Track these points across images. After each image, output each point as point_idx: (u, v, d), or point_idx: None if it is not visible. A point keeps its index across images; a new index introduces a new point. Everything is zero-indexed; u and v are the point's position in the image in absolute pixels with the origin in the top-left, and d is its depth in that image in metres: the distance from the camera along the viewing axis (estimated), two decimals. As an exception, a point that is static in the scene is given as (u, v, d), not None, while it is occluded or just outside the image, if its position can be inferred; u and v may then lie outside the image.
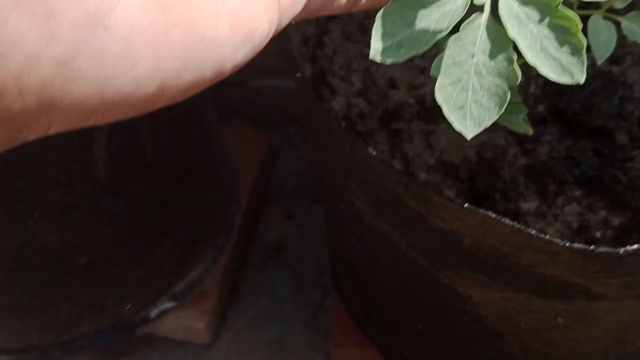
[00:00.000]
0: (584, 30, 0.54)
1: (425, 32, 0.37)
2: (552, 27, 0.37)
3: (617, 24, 0.55)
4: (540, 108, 0.65)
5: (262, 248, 1.21)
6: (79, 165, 0.79)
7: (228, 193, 1.14)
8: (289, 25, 0.46)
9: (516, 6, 0.37)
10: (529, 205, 0.55)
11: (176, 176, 0.96)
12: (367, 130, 0.68)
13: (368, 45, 0.75)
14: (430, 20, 0.38)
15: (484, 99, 0.38)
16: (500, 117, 0.62)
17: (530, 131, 0.60)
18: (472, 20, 0.38)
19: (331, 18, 0.79)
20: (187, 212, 0.99)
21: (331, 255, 0.93)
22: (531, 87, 0.65)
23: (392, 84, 0.70)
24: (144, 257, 0.92)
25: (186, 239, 1.00)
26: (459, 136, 0.65)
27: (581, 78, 0.36)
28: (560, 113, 0.65)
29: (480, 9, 0.38)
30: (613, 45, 0.55)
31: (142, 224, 0.90)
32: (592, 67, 0.68)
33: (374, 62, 0.73)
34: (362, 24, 0.77)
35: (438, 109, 0.67)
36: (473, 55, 0.38)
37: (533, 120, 0.65)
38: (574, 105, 0.63)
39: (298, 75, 0.56)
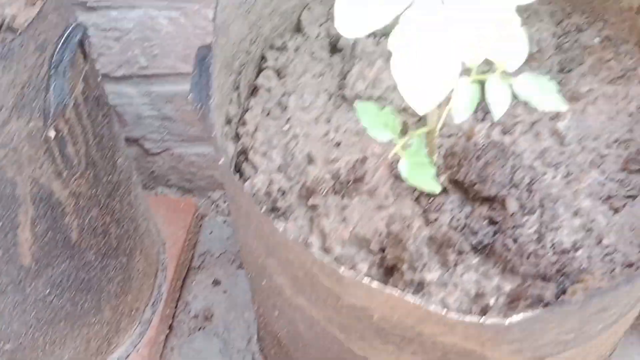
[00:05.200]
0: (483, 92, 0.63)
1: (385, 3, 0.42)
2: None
3: (510, 85, 0.64)
4: (442, 179, 0.73)
5: (189, 317, 1.25)
6: (3, 251, 0.82)
7: (154, 265, 1.18)
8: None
9: None
10: (432, 275, 0.63)
11: (102, 253, 0.99)
12: (287, 206, 0.75)
13: (287, 121, 0.83)
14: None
15: (435, 75, 0.43)
16: (411, 177, 0.69)
17: (438, 189, 0.68)
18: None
19: (253, 94, 0.87)
20: (113, 288, 1.03)
21: (258, 325, 0.98)
22: (434, 158, 0.73)
23: (310, 159, 0.78)
24: (69, 339, 0.94)
25: (112, 315, 1.03)
26: (371, 209, 0.72)
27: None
28: (459, 183, 0.73)
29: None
30: (508, 104, 0.64)
31: (67, 305, 0.93)
32: (486, 137, 0.78)
33: (292, 138, 0.81)
34: (280, 101, 0.84)
35: (350, 186, 0.74)
36: (427, 30, 0.41)
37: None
38: (471, 175, 0.72)
39: (220, 162, 0.62)
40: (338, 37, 0.91)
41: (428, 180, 0.63)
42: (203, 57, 0.78)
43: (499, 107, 0.59)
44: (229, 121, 0.80)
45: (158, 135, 1.32)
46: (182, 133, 1.32)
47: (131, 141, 1.34)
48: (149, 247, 1.16)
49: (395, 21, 0.41)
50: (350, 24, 0.41)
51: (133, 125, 1.31)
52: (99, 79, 0.99)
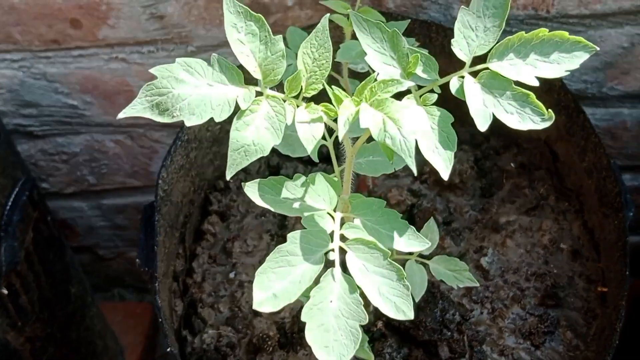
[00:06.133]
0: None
1: (293, 285, 0.49)
2: (386, 274, 0.49)
3: (426, 266, 0.71)
4: (380, 324, 0.79)
5: (153, 423, 1.27)
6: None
7: (115, 379, 1.20)
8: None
9: (358, 259, 0.49)
10: None
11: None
12: (236, 361, 0.79)
13: (232, 267, 0.87)
14: (297, 275, 0.49)
15: (342, 338, 0.50)
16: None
17: (372, 358, 0.74)
18: (327, 273, 0.50)
19: (199, 238, 0.91)
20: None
21: None
22: (371, 306, 0.78)
23: (256, 311, 0.82)
24: None
25: None
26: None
27: (411, 315, 0.49)
28: (396, 327, 0.79)
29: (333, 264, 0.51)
30: (425, 284, 0.70)
31: None
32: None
33: (238, 286, 0.85)
34: (225, 246, 0.88)
35: (295, 336, 0.79)
36: (331, 301, 0.49)
37: (374, 336, 0.79)
38: (405, 322, 0.77)
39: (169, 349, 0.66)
40: (278, 168, 0.96)
41: (362, 349, 0.68)
42: (148, 217, 0.82)
43: (417, 288, 0.65)
44: (176, 278, 0.84)
45: (111, 242, 1.35)
46: (135, 238, 1.35)
47: (84, 249, 1.36)
48: (108, 363, 1.18)
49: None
50: (268, 302, 0.46)
51: (85, 234, 1.33)
52: (49, 219, 1.02)
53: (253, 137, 0.44)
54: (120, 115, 0.44)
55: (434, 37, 0.89)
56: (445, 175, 0.46)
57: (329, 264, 0.49)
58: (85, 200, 1.27)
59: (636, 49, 0.98)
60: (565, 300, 0.80)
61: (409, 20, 0.71)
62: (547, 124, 0.46)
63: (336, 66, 0.76)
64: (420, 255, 0.69)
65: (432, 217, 0.68)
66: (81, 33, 1.01)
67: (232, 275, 0.85)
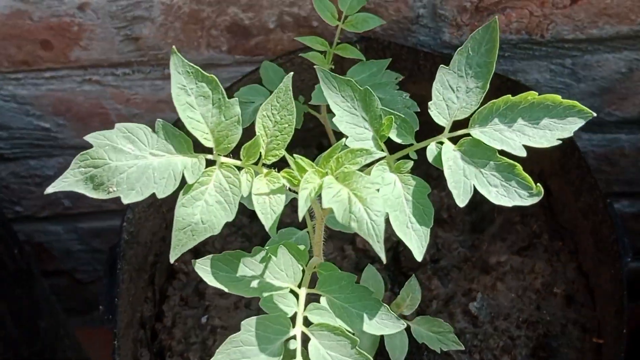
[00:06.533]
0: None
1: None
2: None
3: (408, 328, 0.65)
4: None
5: None
6: None
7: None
8: None
9: (322, 348, 0.43)
10: None
11: None
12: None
13: (205, 310, 0.81)
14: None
15: None
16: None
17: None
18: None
19: (171, 277, 0.85)
20: None
21: None
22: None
23: None
24: None
25: None
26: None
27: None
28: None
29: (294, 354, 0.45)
30: (406, 348, 0.65)
31: None
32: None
33: (211, 332, 0.80)
34: (198, 287, 0.83)
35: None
36: None
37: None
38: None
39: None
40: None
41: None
42: (114, 261, 0.77)
43: (397, 352, 0.59)
44: (143, 325, 0.79)
45: (89, 266, 1.30)
46: (114, 261, 1.30)
47: (61, 273, 1.31)
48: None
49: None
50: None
51: (62, 258, 1.28)
52: (16, 252, 0.96)
53: (202, 215, 0.39)
54: (49, 190, 0.39)
55: (422, 64, 0.83)
56: (419, 256, 0.40)
57: (289, 353, 0.43)
58: (61, 224, 1.22)
59: (634, 75, 0.93)
60: (559, 351, 0.75)
61: (390, 59, 0.65)
62: (535, 200, 0.41)
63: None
64: (402, 315, 0.63)
65: (413, 275, 0.62)
66: (52, 54, 0.95)
67: (204, 319, 0.80)
